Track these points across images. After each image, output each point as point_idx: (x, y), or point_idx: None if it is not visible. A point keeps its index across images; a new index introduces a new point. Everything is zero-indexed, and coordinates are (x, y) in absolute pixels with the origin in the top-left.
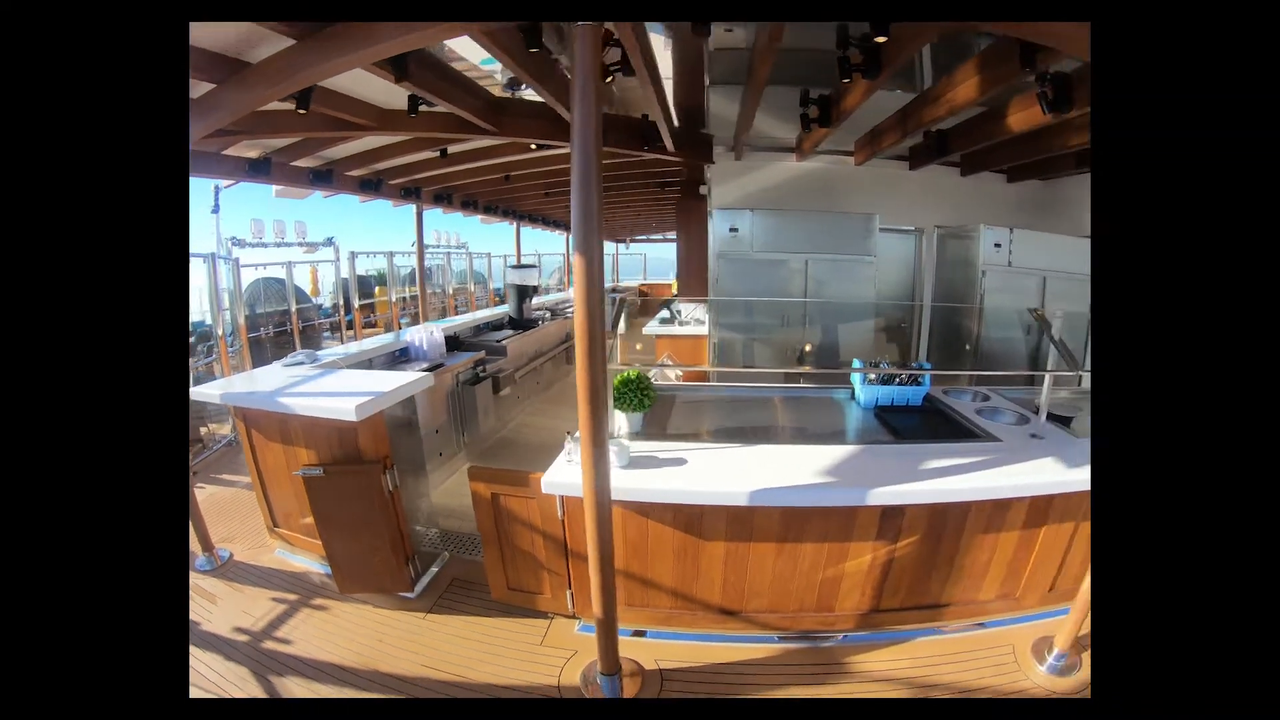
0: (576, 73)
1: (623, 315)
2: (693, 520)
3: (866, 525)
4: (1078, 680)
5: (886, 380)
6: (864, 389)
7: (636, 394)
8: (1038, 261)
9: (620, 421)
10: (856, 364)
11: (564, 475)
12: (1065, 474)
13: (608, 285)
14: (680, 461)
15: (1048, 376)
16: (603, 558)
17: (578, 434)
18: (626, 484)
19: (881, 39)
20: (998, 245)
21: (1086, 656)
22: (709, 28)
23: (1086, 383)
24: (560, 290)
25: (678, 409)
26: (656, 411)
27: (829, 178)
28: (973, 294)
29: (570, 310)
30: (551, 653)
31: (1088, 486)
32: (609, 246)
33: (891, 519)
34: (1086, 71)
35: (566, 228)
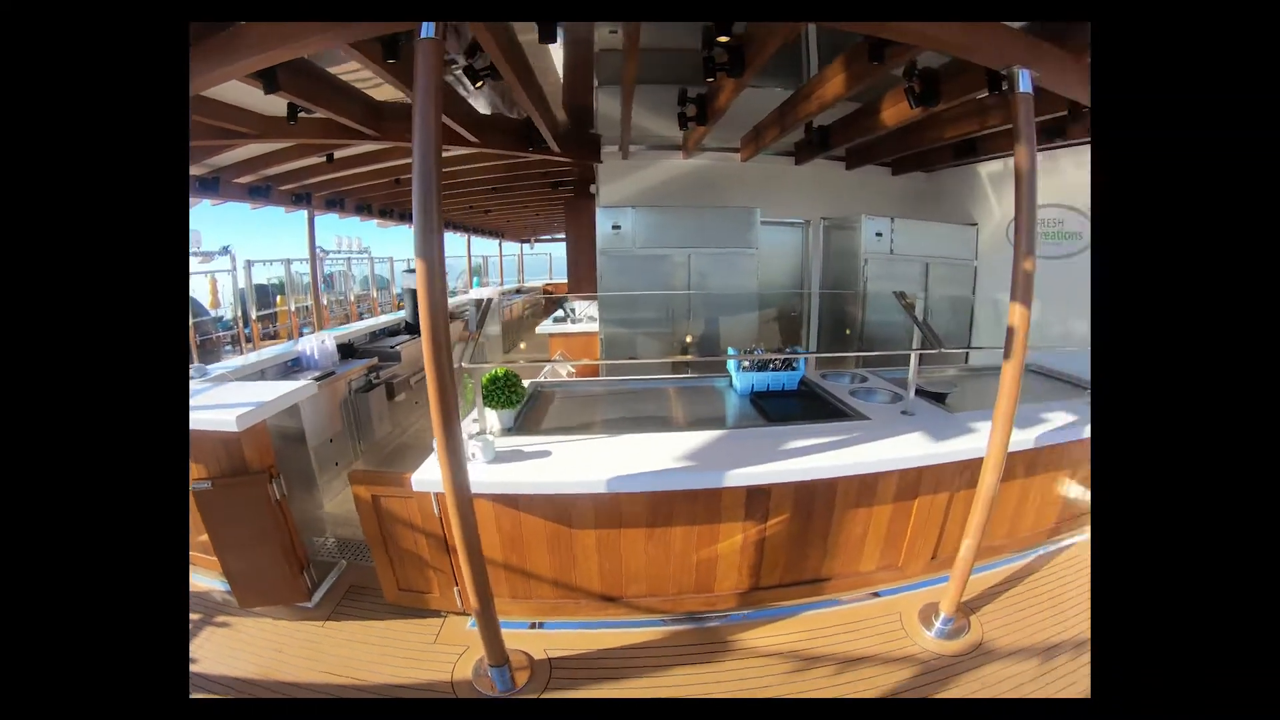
0: (416, 83)
1: (488, 316)
2: (561, 510)
3: (733, 506)
4: (966, 642)
5: (761, 366)
6: (739, 376)
7: (504, 391)
8: (920, 249)
9: (492, 419)
10: (731, 351)
11: (434, 473)
12: (933, 447)
13: (512, 285)
14: (547, 454)
15: (913, 355)
16: (470, 551)
17: None
18: (492, 478)
19: (724, 38)
20: (879, 234)
21: (975, 619)
22: (555, 32)
23: (974, 360)
24: (464, 292)
25: (557, 404)
26: (536, 408)
27: (715, 174)
28: (856, 281)
29: (466, 312)
30: (445, 650)
31: (957, 458)
32: (513, 247)
33: (758, 499)
34: (953, 66)
35: (465, 229)
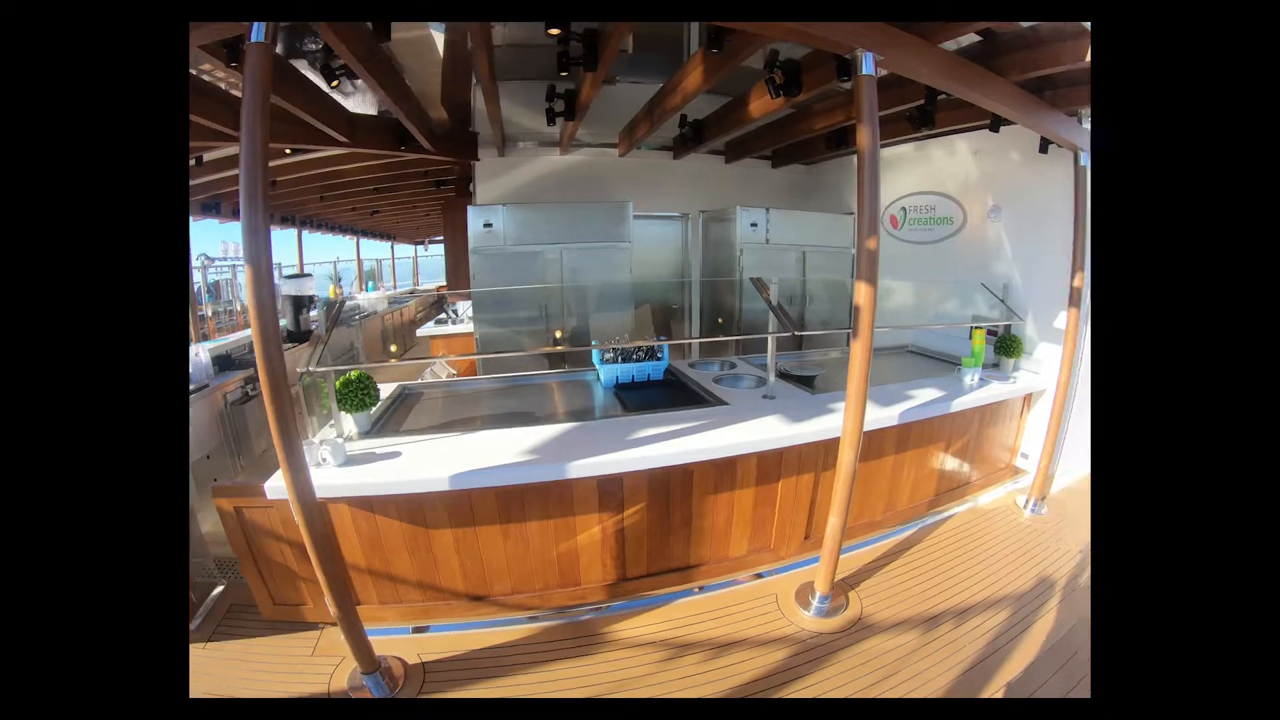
0: (245, 86)
1: (337, 320)
2: (414, 510)
3: (586, 498)
4: (845, 619)
5: (626, 358)
6: (603, 368)
7: (358, 394)
8: (796, 238)
9: (348, 422)
10: (594, 343)
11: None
12: (791, 429)
13: (407, 288)
14: (398, 454)
15: (771, 340)
16: (322, 556)
17: (310, 438)
18: (344, 481)
19: (554, 31)
20: (754, 225)
21: (854, 595)
22: (389, 31)
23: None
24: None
25: (421, 405)
26: (399, 410)
27: (594, 170)
28: (733, 271)
29: (357, 318)
30: (322, 662)
31: (818, 438)
32: (407, 249)
33: (610, 489)
34: (814, 57)
35: (354, 232)
